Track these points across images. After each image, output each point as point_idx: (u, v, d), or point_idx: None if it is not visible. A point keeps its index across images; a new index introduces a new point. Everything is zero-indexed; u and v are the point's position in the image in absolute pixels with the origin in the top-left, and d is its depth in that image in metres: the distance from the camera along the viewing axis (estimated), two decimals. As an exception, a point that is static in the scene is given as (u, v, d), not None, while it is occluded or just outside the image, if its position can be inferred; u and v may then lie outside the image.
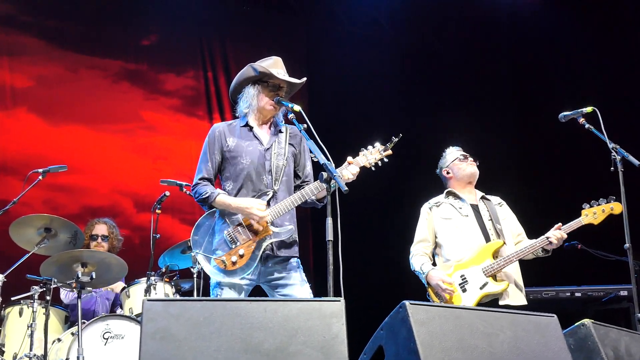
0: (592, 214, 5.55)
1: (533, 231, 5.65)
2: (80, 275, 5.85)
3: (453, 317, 3.50)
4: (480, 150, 6.00)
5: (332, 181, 4.28)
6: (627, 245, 5.24)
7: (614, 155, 5.36)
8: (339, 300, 3.45)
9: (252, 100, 4.89)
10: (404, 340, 3.32)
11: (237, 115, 5.03)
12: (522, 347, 3.54)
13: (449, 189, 5.92)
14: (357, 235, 6.66)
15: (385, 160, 4.80)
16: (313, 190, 4.69)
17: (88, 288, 6.00)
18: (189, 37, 9.71)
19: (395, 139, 4.80)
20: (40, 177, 6.39)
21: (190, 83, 9.71)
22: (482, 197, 5.90)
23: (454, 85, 9.70)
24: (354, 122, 9.21)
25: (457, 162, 5.94)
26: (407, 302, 3.39)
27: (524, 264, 5.71)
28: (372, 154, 4.77)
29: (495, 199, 5.96)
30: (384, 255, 5.89)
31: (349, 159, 4.72)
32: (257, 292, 4.84)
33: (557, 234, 5.51)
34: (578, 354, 3.86)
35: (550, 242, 5.51)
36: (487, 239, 5.64)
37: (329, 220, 4.18)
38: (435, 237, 5.83)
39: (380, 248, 5.95)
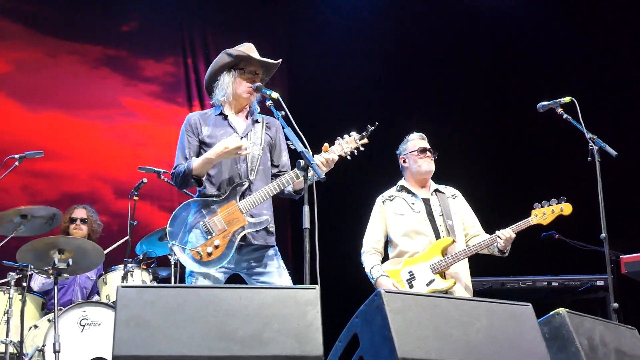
0: (542, 214, 5.55)
1: (505, 223, 5.65)
2: (56, 262, 5.81)
3: (429, 306, 3.50)
4: (456, 141, 5.99)
5: (310, 170, 4.27)
6: (603, 235, 5.28)
7: (592, 146, 5.38)
8: (314, 288, 3.44)
9: (227, 87, 4.85)
10: (379, 328, 3.32)
11: (213, 104, 5.00)
12: (497, 335, 3.55)
13: (402, 184, 5.89)
14: (335, 223, 6.69)
15: (362, 149, 4.75)
16: (289, 179, 4.66)
17: (65, 275, 5.97)
18: (170, 24, 9.65)
19: (371, 128, 4.76)
20: (16, 163, 6.32)
21: (170, 69, 9.65)
22: (436, 190, 5.86)
23: (434, 76, 9.70)
24: (334, 110, 9.18)
25: (415, 155, 5.85)
26: (382, 290, 3.39)
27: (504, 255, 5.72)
28: (348, 143, 4.71)
29: (449, 191, 5.92)
30: (361, 243, 5.88)
31: (325, 145, 4.69)
32: (235, 279, 4.84)
33: (505, 233, 5.49)
34: (552, 343, 3.89)
35: (499, 239, 5.51)
36: (438, 236, 5.63)
37: (306, 208, 4.17)
38: (388, 231, 5.82)
39: (358, 236, 5.93)
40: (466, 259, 5.67)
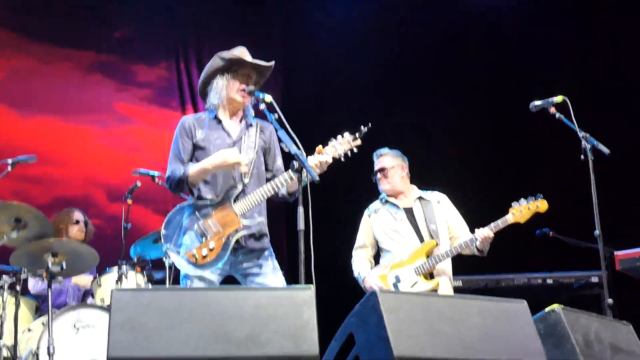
0: (519, 212, 5.60)
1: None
2: (50, 265, 5.78)
3: (423, 304, 3.52)
4: (449, 140, 6.00)
5: (304, 172, 4.27)
6: (597, 232, 5.29)
7: (584, 144, 5.39)
8: (309, 288, 3.45)
9: (221, 91, 4.83)
10: (375, 327, 3.34)
11: (208, 107, 4.98)
12: (491, 333, 3.56)
13: (384, 196, 6.04)
14: (329, 224, 6.69)
15: (355, 150, 4.66)
16: (283, 181, 4.64)
17: (59, 278, 5.95)
18: (162, 29, 9.63)
19: (364, 129, 4.66)
20: (9, 168, 6.28)
21: (163, 74, 9.64)
22: (419, 198, 5.97)
23: (427, 77, 9.69)
24: (329, 115, 9.17)
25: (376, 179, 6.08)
26: (377, 290, 3.41)
27: (496, 251, 5.74)
28: (342, 145, 4.63)
29: (434, 197, 6.01)
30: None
31: (319, 147, 4.65)
32: (230, 281, 4.84)
33: (484, 232, 5.55)
34: (548, 340, 3.89)
35: (476, 240, 5.57)
36: (421, 240, 5.76)
37: (300, 210, 4.18)
38: (376, 242, 6.00)
39: (352, 237, 5.97)
40: (449, 260, 5.77)
